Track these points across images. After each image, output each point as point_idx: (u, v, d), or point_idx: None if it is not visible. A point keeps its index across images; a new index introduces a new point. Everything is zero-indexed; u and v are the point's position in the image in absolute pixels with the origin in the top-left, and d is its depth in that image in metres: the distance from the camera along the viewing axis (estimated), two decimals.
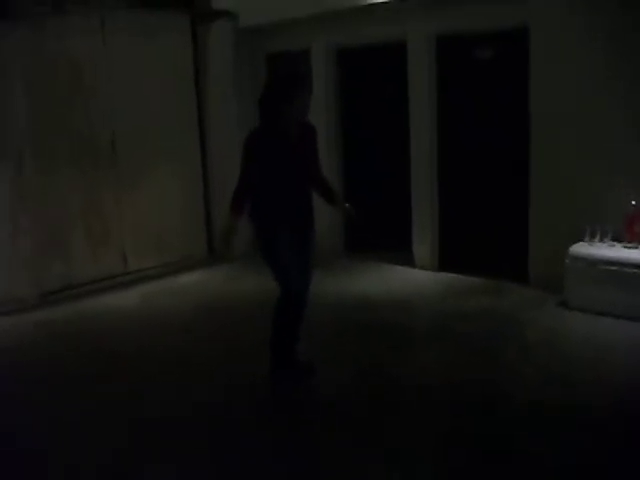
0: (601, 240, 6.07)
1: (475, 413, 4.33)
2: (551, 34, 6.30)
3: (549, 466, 3.71)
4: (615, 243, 6.02)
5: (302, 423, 4.41)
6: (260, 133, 4.45)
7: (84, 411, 4.59)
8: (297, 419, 4.47)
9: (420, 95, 7.37)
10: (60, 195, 7.29)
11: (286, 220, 4.52)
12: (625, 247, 5.95)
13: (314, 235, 4.77)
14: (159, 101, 8.09)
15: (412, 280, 7.34)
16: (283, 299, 4.56)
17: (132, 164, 7.88)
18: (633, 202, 5.92)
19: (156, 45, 8.00)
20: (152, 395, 4.79)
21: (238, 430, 4.21)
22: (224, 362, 5.36)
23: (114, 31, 7.61)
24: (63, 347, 5.86)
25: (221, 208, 8.59)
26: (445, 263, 7.56)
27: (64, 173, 7.31)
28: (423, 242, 7.64)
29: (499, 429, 4.12)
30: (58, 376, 5.21)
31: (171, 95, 8.25)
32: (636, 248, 5.88)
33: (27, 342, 6.03)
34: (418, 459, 3.86)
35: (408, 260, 7.77)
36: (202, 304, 6.85)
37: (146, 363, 5.39)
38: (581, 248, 6.06)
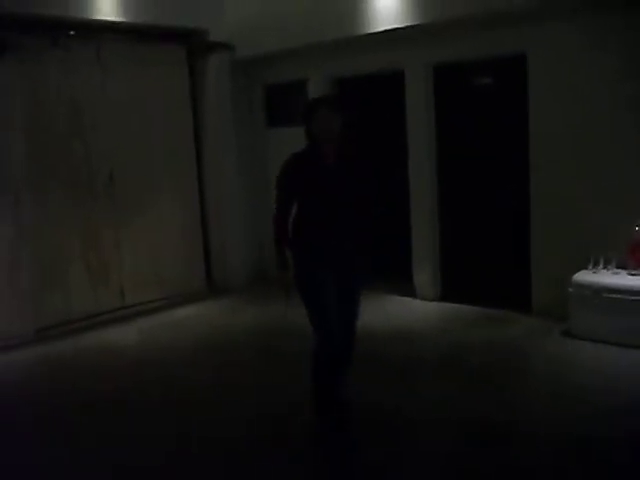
0: (605, 267, 6.00)
1: (480, 445, 4.23)
2: (549, 60, 6.30)
3: None
4: (619, 270, 5.95)
5: (300, 453, 4.30)
6: (297, 156, 4.29)
7: (77, 450, 4.49)
8: (296, 449, 4.35)
9: (418, 123, 7.35)
10: (58, 230, 7.24)
11: (325, 253, 4.18)
12: (630, 274, 5.87)
13: (360, 284, 4.35)
14: (157, 134, 8.06)
15: (413, 311, 7.25)
16: (320, 347, 4.19)
17: (130, 199, 7.84)
18: (637, 228, 5.86)
19: (153, 78, 7.99)
20: (155, 430, 4.69)
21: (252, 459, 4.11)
22: (227, 396, 5.26)
23: (111, 64, 7.61)
24: (60, 384, 5.74)
25: (218, 241, 8.63)
26: (447, 293, 7.48)
27: (62, 208, 7.26)
28: (424, 272, 7.56)
29: (505, 461, 4.02)
30: (53, 414, 5.09)
31: (169, 128, 8.22)
32: None
33: (23, 379, 5.92)
34: None
35: (409, 290, 7.69)
36: (201, 337, 6.75)
37: (145, 399, 5.27)
38: (585, 276, 5.98)
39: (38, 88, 7.06)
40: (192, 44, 8.40)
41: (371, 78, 7.87)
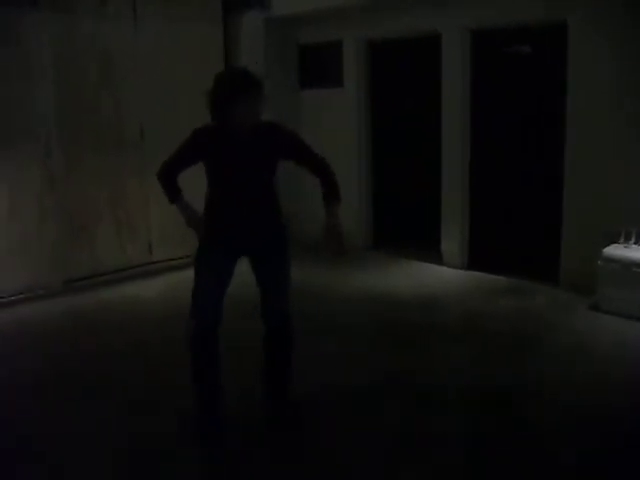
0: (636, 242, 5.92)
1: (503, 414, 4.23)
2: (591, 29, 6.13)
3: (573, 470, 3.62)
4: None
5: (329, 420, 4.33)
6: (210, 130, 3.92)
7: (97, 403, 4.57)
8: (326, 415, 4.38)
9: (453, 90, 7.24)
10: (87, 182, 7.27)
11: (223, 235, 3.88)
12: None
13: (282, 262, 3.96)
14: (188, 90, 8.00)
15: (440, 278, 7.23)
16: (190, 327, 3.89)
17: (160, 154, 7.80)
18: None
19: (188, 33, 7.92)
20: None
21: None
22: (246, 356, 5.29)
23: (146, 18, 7.55)
24: (83, 336, 5.83)
25: None
26: (474, 261, 7.44)
27: (91, 160, 7.28)
28: (452, 239, 7.52)
29: (525, 431, 4.02)
30: (78, 366, 5.17)
31: (200, 85, 8.13)
32: None
33: (50, 330, 6.01)
34: (446, 456, 3.77)
35: (436, 257, 7.66)
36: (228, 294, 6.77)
37: (169, 351, 5.32)
38: (615, 250, 5.91)
39: (70, 39, 7.02)
40: (227, 0, 8.31)
41: (406, 42, 7.77)
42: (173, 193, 4.06)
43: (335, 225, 3.86)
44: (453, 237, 7.50)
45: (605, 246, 5.96)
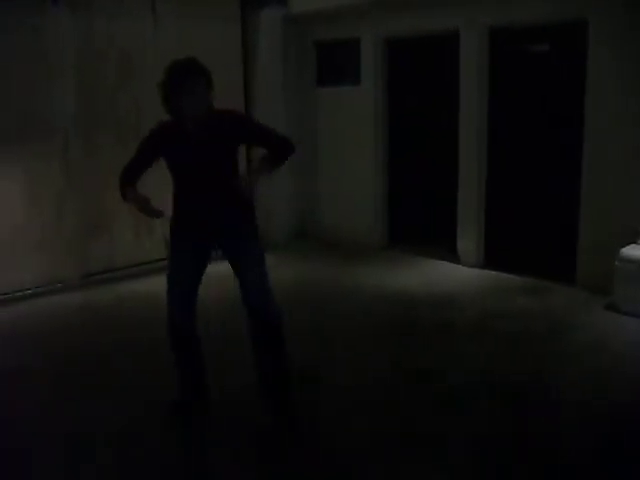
0: None
1: (518, 414, 4.22)
2: (612, 28, 6.08)
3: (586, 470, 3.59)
4: None
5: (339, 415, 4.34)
6: (163, 124, 3.92)
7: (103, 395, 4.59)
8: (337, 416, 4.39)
9: (471, 88, 7.21)
10: (105, 177, 7.28)
11: (189, 228, 3.91)
12: None
13: (250, 245, 3.95)
14: None
15: (455, 276, 7.22)
16: (168, 329, 4.04)
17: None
18: None
19: (206, 31, 7.95)
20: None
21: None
22: None
23: (164, 16, 7.59)
24: (96, 330, 5.87)
25: (264, 197, 8.63)
26: (490, 260, 7.41)
27: (110, 155, 7.29)
28: (468, 237, 7.50)
29: (541, 430, 4.01)
30: (93, 362, 5.21)
31: (218, 82, 8.15)
32: None
33: (65, 324, 6.05)
34: (458, 456, 3.77)
35: (452, 256, 7.65)
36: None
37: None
38: (633, 250, 5.87)
39: (89, 37, 7.08)
40: None
41: (424, 39, 7.75)
42: (125, 192, 3.92)
43: (252, 181, 3.79)
44: (469, 235, 7.48)
45: (622, 246, 5.93)
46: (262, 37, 8.45)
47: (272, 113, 8.47)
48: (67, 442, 4.01)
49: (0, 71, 6.48)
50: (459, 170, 7.47)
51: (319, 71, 8.80)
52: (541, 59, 6.84)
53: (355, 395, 4.51)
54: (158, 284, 7.08)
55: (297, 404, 4.14)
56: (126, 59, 7.38)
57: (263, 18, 8.38)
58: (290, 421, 4.06)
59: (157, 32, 7.57)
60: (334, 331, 5.67)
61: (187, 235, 3.94)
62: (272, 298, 4.00)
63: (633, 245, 5.93)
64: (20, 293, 6.70)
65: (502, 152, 7.23)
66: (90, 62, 7.12)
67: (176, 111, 3.78)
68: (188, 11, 7.77)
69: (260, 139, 3.96)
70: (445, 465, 3.66)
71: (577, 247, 6.58)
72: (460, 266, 7.49)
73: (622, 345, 5.29)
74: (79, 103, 7.04)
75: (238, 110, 3.96)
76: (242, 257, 3.94)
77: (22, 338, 5.72)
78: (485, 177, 7.34)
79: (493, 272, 7.21)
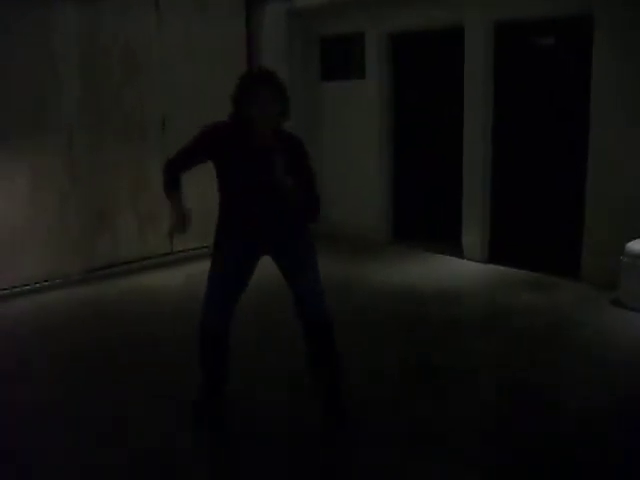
0: None
1: (522, 411, 4.22)
2: (617, 24, 6.06)
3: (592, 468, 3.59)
4: None
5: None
6: (222, 129, 3.90)
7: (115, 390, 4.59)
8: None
9: (476, 83, 7.20)
10: (109, 172, 7.32)
11: (241, 235, 3.88)
12: None
13: (305, 246, 3.95)
14: (210, 83, 8.04)
15: (460, 271, 7.21)
16: (198, 328, 3.98)
17: (181, 145, 7.84)
18: None
19: (210, 26, 7.95)
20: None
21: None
22: (266, 350, 5.31)
23: (168, 12, 7.58)
24: (104, 325, 5.87)
25: None
26: (494, 255, 7.40)
27: (114, 151, 7.33)
28: (473, 232, 7.49)
29: (550, 427, 4.00)
30: (99, 357, 5.21)
31: (222, 77, 8.16)
32: None
33: (69, 319, 6.05)
34: (466, 450, 3.76)
35: (456, 250, 7.64)
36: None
37: (185, 344, 5.32)
38: (639, 245, 5.85)
39: (94, 32, 7.07)
40: None
41: (429, 34, 7.72)
42: (171, 187, 3.96)
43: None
44: (474, 230, 7.47)
45: (628, 241, 5.91)
46: (266, 32, 8.43)
47: None
48: (76, 441, 4.00)
49: (4, 67, 6.46)
50: (464, 165, 7.45)
51: (324, 65, 8.78)
52: (546, 53, 6.82)
53: (363, 391, 4.49)
54: (162, 279, 7.21)
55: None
56: (131, 55, 7.37)
57: (267, 12, 8.36)
58: (339, 421, 4.04)
59: (161, 27, 7.56)
60: (341, 326, 5.62)
61: (238, 243, 3.89)
62: (325, 300, 4.00)
63: (639, 240, 5.91)
64: (25, 288, 6.70)
65: (507, 147, 7.21)
66: (95, 58, 7.11)
67: (245, 120, 3.73)
68: (192, 6, 7.77)
69: (303, 180, 3.76)
70: (454, 462, 3.65)
71: (582, 242, 6.57)
72: (465, 261, 7.49)
73: (629, 340, 5.27)
74: (84, 99, 7.03)
75: (302, 139, 3.91)
76: (296, 257, 3.93)
77: (27, 333, 5.72)
78: (490, 172, 7.32)
79: (498, 267, 7.20)
